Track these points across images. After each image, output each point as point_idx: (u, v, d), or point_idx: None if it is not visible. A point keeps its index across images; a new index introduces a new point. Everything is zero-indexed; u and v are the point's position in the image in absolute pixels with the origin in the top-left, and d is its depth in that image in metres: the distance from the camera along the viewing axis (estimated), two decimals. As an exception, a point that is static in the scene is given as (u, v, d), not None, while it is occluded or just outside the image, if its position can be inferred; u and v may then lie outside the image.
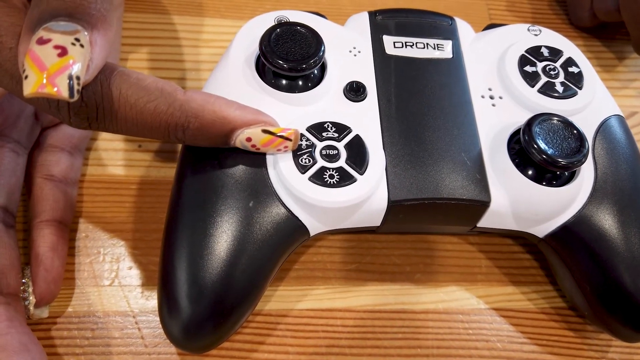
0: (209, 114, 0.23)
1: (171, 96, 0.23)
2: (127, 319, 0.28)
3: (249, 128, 0.24)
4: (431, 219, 0.28)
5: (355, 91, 0.28)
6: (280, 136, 0.24)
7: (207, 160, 0.26)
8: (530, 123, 0.26)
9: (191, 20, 0.37)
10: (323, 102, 0.28)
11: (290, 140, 0.25)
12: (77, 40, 0.19)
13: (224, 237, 0.24)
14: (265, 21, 0.29)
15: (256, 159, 0.26)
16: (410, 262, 0.31)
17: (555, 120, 0.26)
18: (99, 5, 0.21)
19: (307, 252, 0.31)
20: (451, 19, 0.31)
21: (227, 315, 0.24)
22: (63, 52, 0.19)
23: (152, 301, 0.28)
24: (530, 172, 0.27)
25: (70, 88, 0.19)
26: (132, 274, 0.29)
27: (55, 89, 0.19)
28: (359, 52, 0.30)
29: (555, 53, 0.30)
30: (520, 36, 0.31)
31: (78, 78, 0.19)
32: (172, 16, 0.37)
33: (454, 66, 0.30)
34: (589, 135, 0.29)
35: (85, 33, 0.20)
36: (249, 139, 0.24)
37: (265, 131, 0.24)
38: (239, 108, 0.24)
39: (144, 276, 0.29)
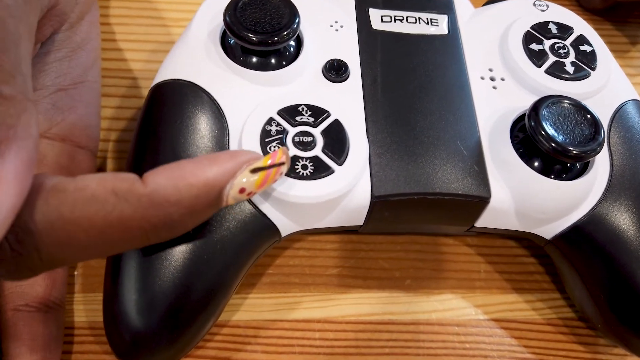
0: (188, 192, 0.18)
1: (131, 194, 0.17)
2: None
3: (236, 178, 0.19)
4: (422, 218, 0.25)
5: (335, 70, 0.25)
6: (272, 165, 0.20)
7: (161, 149, 0.22)
8: (537, 106, 0.23)
9: (161, -2, 0.34)
10: (298, 82, 0.24)
11: (283, 163, 0.20)
12: None
13: (179, 237, 0.21)
14: (235, -9, 0.26)
15: (217, 148, 0.22)
16: (400, 266, 0.28)
17: (565, 103, 0.23)
18: (1, 116, 0.15)
19: (283, 255, 0.27)
20: (447, -9, 0.28)
21: (184, 327, 0.22)
22: None
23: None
24: (536, 164, 0.23)
25: None
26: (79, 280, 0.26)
27: None
28: (342, 26, 0.26)
29: (564, 30, 0.27)
30: (525, 11, 0.28)
31: None
32: (140, -7, 0.34)
33: (449, 44, 0.26)
34: (604, 122, 0.25)
35: None
36: (242, 190, 0.19)
37: (254, 170, 0.19)
38: (211, 163, 0.18)
39: (96, 281, 0.26)
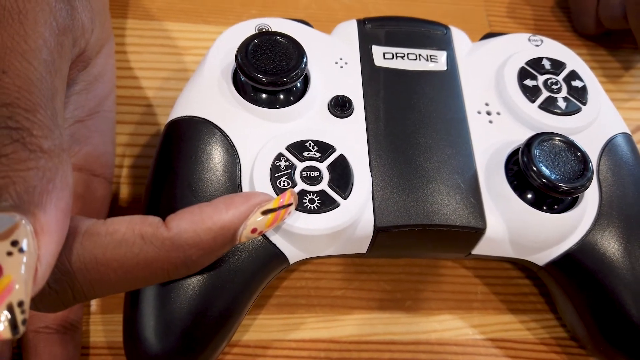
0: (206, 235, 0.19)
1: (156, 238, 0.19)
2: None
3: (249, 220, 0.20)
4: (422, 246, 0.26)
5: (340, 106, 0.26)
6: (281, 206, 0.21)
7: (178, 183, 0.24)
8: (529, 143, 0.24)
9: (172, 26, 0.35)
10: (305, 118, 0.26)
11: (291, 204, 0.22)
12: (15, 243, 0.15)
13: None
14: (245, 29, 0.27)
15: (230, 183, 0.24)
16: (401, 288, 0.29)
17: (557, 140, 0.24)
18: (41, 170, 0.16)
19: (290, 277, 0.29)
20: (446, 27, 0.29)
21: (198, 350, 0.23)
22: None
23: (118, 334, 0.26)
24: (529, 197, 0.25)
25: (12, 323, 0.14)
26: (97, 302, 0.27)
27: None
28: (346, 63, 0.28)
29: (557, 65, 0.28)
30: (520, 47, 0.29)
31: (22, 304, 0.15)
32: (152, 22, 0.35)
33: (448, 79, 0.28)
34: (594, 155, 0.27)
35: (28, 225, 0.15)
36: (254, 230, 0.20)
37: (265, 212, 0.21)
38: (227, 206, 0.20)
39: (114, 303, 0.27)
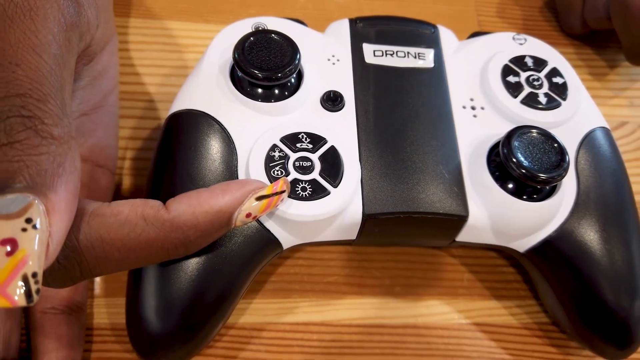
0: (203, 217, 0.21)
1: (157, 219, 0.20)
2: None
3: (243, 205, 0.21)
4: (408, 233, 0.27)
5: (332, 101, 0.27)
6: (274, 193, 0.23)
7: (177, 172, 0.25)
8: (509, 136, 0.25)
9: (174, 25, 0.37)
10: (299, 112, 0.27)
11: (284, 191, 0.23)
12: (29, 220, 0.16)
13: (193, 250, 0.24)
14: (242, 28, 0.29)
15: (227, 172, 0.25)
16: (390, 274, 0.30)
17: (535, 133, 0.26)
18: (52, 155, 0.17)
19: (284, 264, 0.30)
20: (434, 26, 0.31)
21: (196, 330, 0.24)
22: (13, 247, 0.16)
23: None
24: (510, 186, 0.26)
25: (27, 292, 0.16)
26: (101, 285, 0.28)
27: (9, 300, 0.16)
28: (338, 60, 0.29)
29: (539, 63, 0.30)
30: (505, 45, 0.31)
31: (35, 275, 0.16)
32: (154, 20, 0.37)
33: (435, 76, 0.29)
34: (572, 148, 0.28)
35: (40, 205, 0.17)
36: (248, 215, 0.22)
37: (259, 198, 0.22)
38: (224, 192, 0.21)
39: (117, 286, 0.28)
